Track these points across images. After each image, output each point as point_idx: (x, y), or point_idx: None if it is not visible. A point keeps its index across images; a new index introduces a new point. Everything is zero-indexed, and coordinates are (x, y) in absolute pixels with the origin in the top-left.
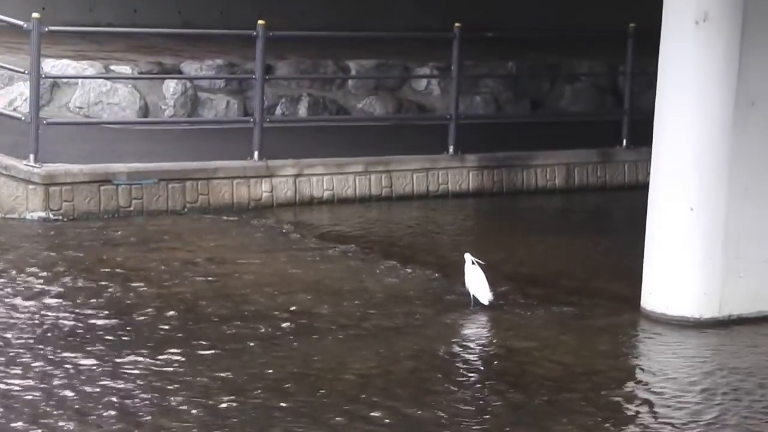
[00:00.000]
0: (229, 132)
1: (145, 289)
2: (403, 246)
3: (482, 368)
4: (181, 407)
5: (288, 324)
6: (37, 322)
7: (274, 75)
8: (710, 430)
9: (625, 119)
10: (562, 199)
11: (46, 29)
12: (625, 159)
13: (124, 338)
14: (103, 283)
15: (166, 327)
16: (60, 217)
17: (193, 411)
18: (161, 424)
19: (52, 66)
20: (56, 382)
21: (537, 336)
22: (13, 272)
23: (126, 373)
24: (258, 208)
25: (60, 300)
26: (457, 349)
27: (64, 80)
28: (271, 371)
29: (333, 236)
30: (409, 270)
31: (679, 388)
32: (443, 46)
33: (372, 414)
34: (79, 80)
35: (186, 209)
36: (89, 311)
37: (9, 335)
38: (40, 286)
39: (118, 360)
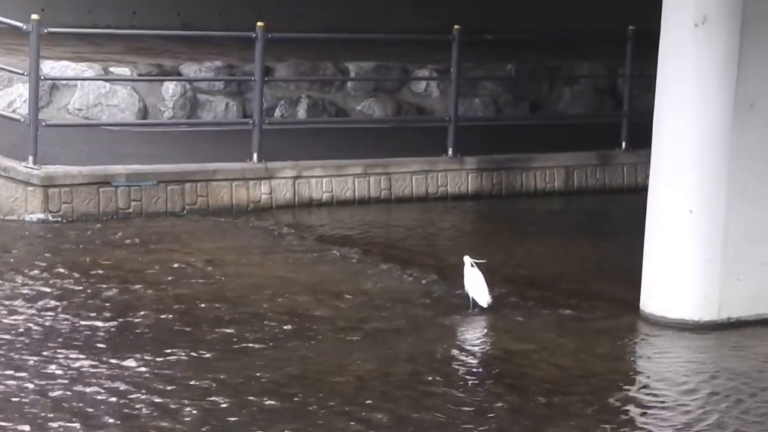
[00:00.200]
0: (228, 134)
1: (143, 290)
2: (402, 248)
3: (481, 371)
4: (179, 409)
5: (286, 326)
6: (35, 323)
7: (273, 77)
8: None
9: (624, 121)
10: (562, 201)
11: (46, 31)
12: (625, 161)
13: (122, 340)
14: (101, 284)
15: (165, 329)
16: (59, 219)
17: (192, 413)
18: (160, 426)
19: (51, 68)
20: (55, 383)
21: (536, 338)
22: (12, 274)
23: (124, 374)
24: (257, 210)
25: (58, 302)
26: (455, 351)
27: (64, 82)
28: (269, 373)
29: (332, 238)
30: (407, 272)
31: (678, 391)
32: (442, 48)
33: (370, 416)
34: (78, 82)
35: (185, 211)
36: (88, 313)
37: (7, 337)
38: (38, 288)
39: (116, 362)
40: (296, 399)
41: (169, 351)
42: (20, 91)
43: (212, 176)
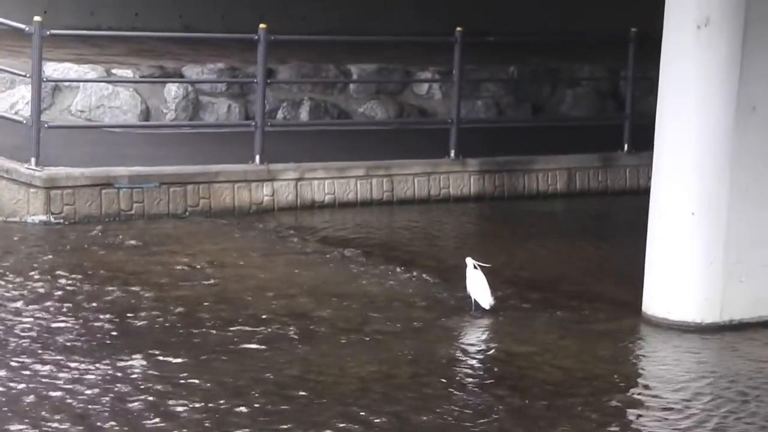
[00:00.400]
0: (231, 136)
1: (145, 292)
2: (404, 250)
3: (483, 373)
4: (181, 411)
5: (288, 327)
6: (37, 325)
7: (275, 79)
8: None
9: (626, 124)
10: (564, 203)
11: (48, 33)
12: (627, 164)
13: (123, 341)
14: (103, 286)
15: (166, 330)
16: (61, 221)
17: (193, 415)
18: (161, 427)
19: (53, 69)
20: (55, 384)
21: (538, 340)
22: (14, 276)
23: (126, 375)
24: (259, 211)
25: (60, 303)
26: (457, 353)
27: (66, 84)
28: (271, 375)
29: (334, 240)
30: (409, 274)
31: (680, 394)
32: (445, 50)
33: (372, 418)
34: (81, 84)
35: (187, 213)
36: (90, 315)
37: (9, 339)
38: (40, 290)
39: (118, 363)
40: (297, 400)
41: (169, 352)
42: (22, 93)
43: (214, 178)
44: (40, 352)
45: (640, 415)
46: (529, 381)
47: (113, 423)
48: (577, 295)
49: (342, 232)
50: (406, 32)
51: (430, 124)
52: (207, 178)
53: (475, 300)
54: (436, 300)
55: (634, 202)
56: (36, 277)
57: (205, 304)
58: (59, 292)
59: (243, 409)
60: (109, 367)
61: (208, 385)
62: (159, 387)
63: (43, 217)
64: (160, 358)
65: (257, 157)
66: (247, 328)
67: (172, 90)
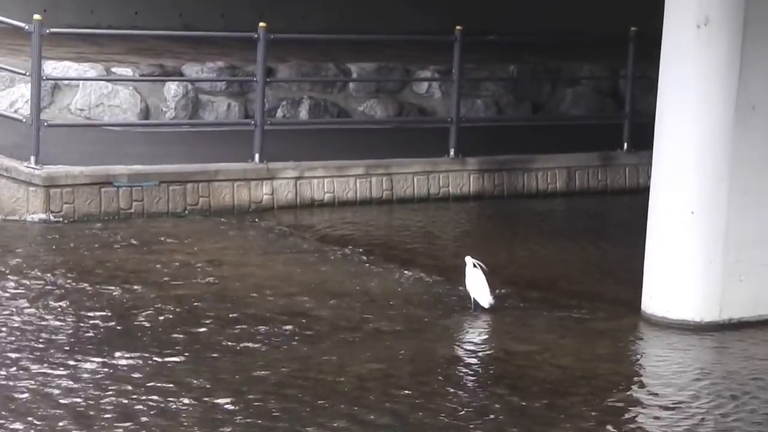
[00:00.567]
0: (230, 134)
1: (145, 291)
2: (404, 249)
3: (482, 371)
4: (180, 409)
5: (287, 326)
6: (37, 324)
7: (275, 77)
8: None
9: (626, 123)
10: (563, 202)
11: (48, 31)
12: (626, 162)
13: (123, 340)
14: (103, 285)
15: (166, 329)
16: (60, 219)
17: (193, 413)
18: (161, 426)
19: (53, 68)
20: (56, 384)
21: (537, 339)
22: (14, 274)
23: (126, 375)
24: (258, 210)
25: (60, 302)
26: (457, 352)
27: (65, 82)
28: (270, 374)
29: (333, 239)
30: (409, 273)
31: (680, 393)
32: (444, 49)
33: (372, 417)
34: (80, 82)
35: (186, 211)
36: (89, 313)
37: (9, 338)
38: (40, 288)
39: (117, 362)
40: (297, 399)
41: (169, 351)
42: (22, 92)
43: (214, 177)
44: (39, 350)
45: (639, 414)
46: (529, 380)
47: (113, 422)
48: (576, 294)
49: (341, 230)
50: (406, 31)
51: (430, 123)
52: (206, 176)
53: (474, 299)
54: (436, 299)
55: (634, 201)
56: (35, 275)
57: (205, 302)
58: (59, 291)
59: (243, 407)
60: (108, 366)
61: (207, 383)
62: (158, 385)
63: (43, 216)
64: (159, 356)
65: (257, 156)
66: (246, 327)
67: (172, 88)
